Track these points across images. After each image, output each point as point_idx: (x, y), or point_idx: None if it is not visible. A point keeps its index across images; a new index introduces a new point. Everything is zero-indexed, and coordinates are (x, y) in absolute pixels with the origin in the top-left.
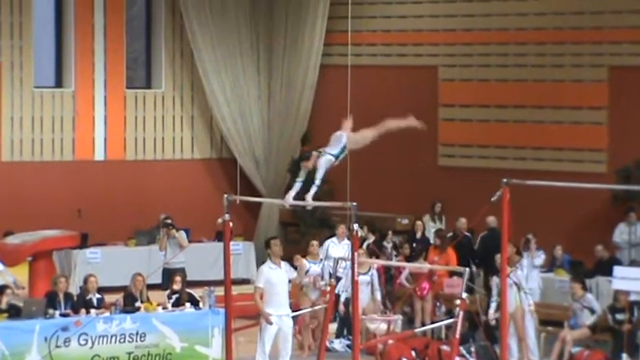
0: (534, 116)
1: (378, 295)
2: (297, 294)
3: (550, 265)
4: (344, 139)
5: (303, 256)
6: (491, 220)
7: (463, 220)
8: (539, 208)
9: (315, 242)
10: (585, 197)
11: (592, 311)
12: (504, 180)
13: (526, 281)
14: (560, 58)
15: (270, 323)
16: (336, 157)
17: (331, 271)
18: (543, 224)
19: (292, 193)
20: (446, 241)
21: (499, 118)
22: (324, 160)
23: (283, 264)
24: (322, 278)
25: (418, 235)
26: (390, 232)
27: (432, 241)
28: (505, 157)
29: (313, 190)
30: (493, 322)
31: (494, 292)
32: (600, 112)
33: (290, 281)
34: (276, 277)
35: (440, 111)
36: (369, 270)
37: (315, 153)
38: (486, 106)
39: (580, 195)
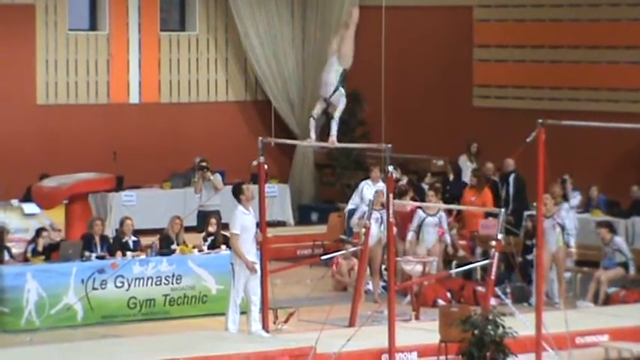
0: (570, 56)
1: (448, 238)
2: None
3: (586, 206)
4: (334, 61)
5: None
6: (510, 162)
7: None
8: (574, 148)
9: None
10: (621, 137)
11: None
12: (540, 120)
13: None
14: None
15: (256, 272)
16: (341, 84)
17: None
18: (579, 165)
19: (334, 130)
20: (482, 182)
21: (534, 59)
22: (338, 95)
23: (251, 210)
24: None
25: (451, 177)
26: (428, 174)
27: (468, 182)
28: (540, 98)
29: (335, 126)
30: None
31: None
32: (637, 52)
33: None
34: (249, 222)
35: (475, 52)
36: (437, 212)
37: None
38: (522, 47)
39: (616, 135)
